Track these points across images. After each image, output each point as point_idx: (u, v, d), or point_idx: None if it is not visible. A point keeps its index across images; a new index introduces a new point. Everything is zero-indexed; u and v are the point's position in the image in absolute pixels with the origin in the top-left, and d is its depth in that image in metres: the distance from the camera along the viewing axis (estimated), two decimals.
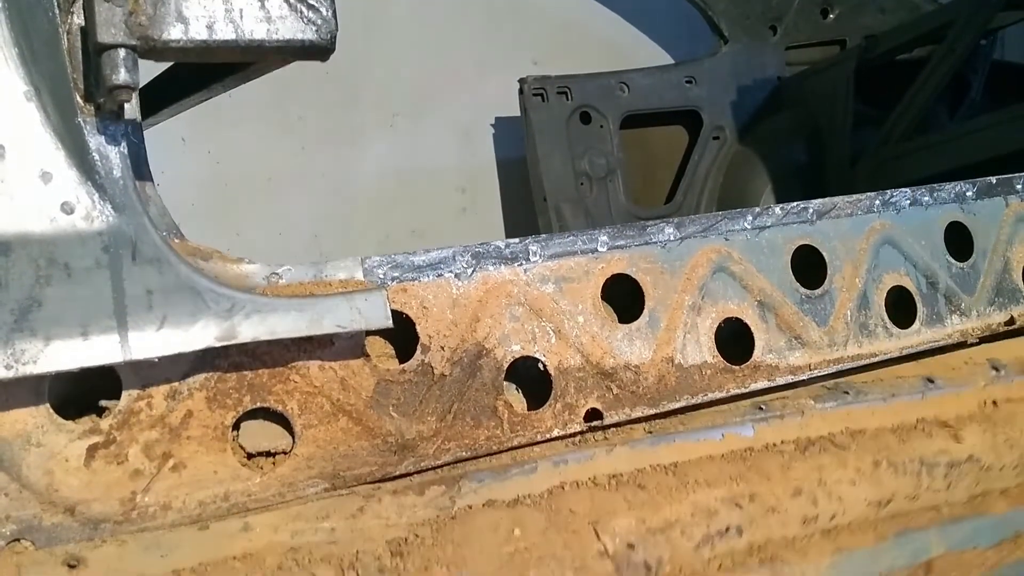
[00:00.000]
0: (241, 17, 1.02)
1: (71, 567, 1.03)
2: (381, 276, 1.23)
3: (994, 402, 1.54)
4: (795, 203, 1.50)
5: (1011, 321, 1.65)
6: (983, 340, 1.65)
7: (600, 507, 1.21)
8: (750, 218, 1.46)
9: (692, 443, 1.33)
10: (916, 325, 1.57)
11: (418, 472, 1.24)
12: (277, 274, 1.17)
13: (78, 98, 1.04)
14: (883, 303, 1.54)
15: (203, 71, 1.34)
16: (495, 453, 1.27)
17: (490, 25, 3.93)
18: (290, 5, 1.04)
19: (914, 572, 1.31)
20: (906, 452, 1.40)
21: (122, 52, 0.96)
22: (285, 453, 1.18)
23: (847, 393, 1.47)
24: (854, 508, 1.34)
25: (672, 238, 1.41)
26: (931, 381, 1.52)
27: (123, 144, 1.06)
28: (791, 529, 1.30)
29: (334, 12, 1.08)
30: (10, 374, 0.96)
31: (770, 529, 1.28)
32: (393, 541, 1.12)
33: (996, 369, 1.58)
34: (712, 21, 3.63)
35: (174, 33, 0.99)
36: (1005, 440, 1.47)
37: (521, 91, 3.41)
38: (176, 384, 1.11)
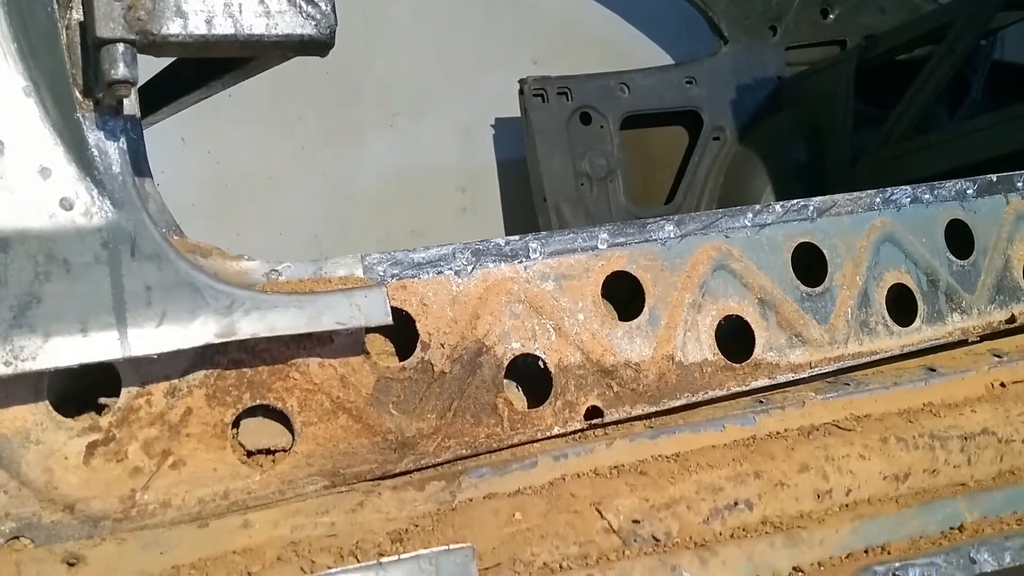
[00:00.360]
0: (240, 12, 1.02)
1: (70, 565, 1.03)
2: (381, 273, 1.22)
3: (1001, 383, 1.53)
4: (795, 201, 1.50)
5: (1012, 319, 1.65)
6: (984, 338, 1.64)
7: (602, 491, 1.21)
8: (751, 216, 1.46)
9: (693, 435, 1.32)
10: (917, 323, 1.57)
11: (418, 470, 1.24)
12: (277, 271, 1.17)
13: (77, 93, 1.04)
14: (884, 301, 1.54)
15: (202, 68, 1.34)
16: (495, 451, 1.27)
17: (490, 25, 3.93)
18: (289, 0, 1.04)
19: (947, 533, 1.29)
20: (914, 428, 1.39)
21: (121, 47, 0.96)
22: (285, 451, 1.17)
23: (848, 384, 1.47)
24: (870, 482, 1.33)
25: (672, 235, 1.40)
26: (933, 370, 1.52)
27: (122, 140, 1.06)
28: (805, 504, 1.28)
29: (333, 7, 1.08)
30: (9, 371, 0.96)
31: (781, 503, 1.27)
32: (393, 532, 1.11)
33: (998, 356, 1.57)
34: (712, 21, 3.63)
35: (173, 28, 0.99)
36: (1020, 415, 1.45)
37: (521, 91, 3.41)
38: (176, 381, 1.11)
